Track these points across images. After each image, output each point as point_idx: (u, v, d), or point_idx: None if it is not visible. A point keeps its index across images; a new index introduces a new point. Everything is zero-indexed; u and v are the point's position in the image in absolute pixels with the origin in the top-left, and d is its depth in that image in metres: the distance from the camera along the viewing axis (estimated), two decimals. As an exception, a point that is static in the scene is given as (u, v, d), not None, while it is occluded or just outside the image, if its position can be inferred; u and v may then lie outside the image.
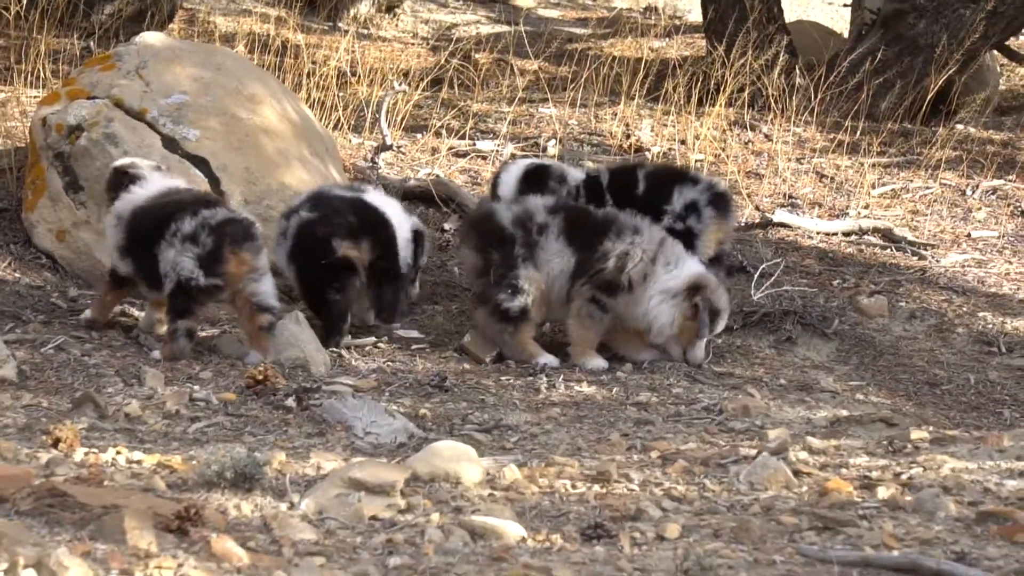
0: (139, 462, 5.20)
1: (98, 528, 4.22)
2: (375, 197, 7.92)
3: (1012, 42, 15.05)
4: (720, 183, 8.60)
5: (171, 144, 8.28)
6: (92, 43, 11.87)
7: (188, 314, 6.92)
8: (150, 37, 9.04)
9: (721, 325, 7.69)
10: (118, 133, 8.17)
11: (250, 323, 7.02)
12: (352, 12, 15.89)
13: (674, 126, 11.84)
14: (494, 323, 7.55)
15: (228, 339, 7.29)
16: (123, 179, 7.26)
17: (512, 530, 4.60)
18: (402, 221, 7.92)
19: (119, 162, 7.46)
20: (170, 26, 13.16)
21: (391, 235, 7.77)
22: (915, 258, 9.80)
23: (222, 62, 8.91)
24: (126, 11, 12.80)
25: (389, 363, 7.36)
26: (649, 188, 8.34)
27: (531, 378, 7.21)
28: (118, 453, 5.28)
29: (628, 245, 7.56)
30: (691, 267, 7.66)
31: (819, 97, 12.17)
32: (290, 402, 6.38)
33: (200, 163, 8.26)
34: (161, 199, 7.16)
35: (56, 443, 5.29)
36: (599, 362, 7.57)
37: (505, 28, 15.56)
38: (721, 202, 8.34)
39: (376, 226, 7.72)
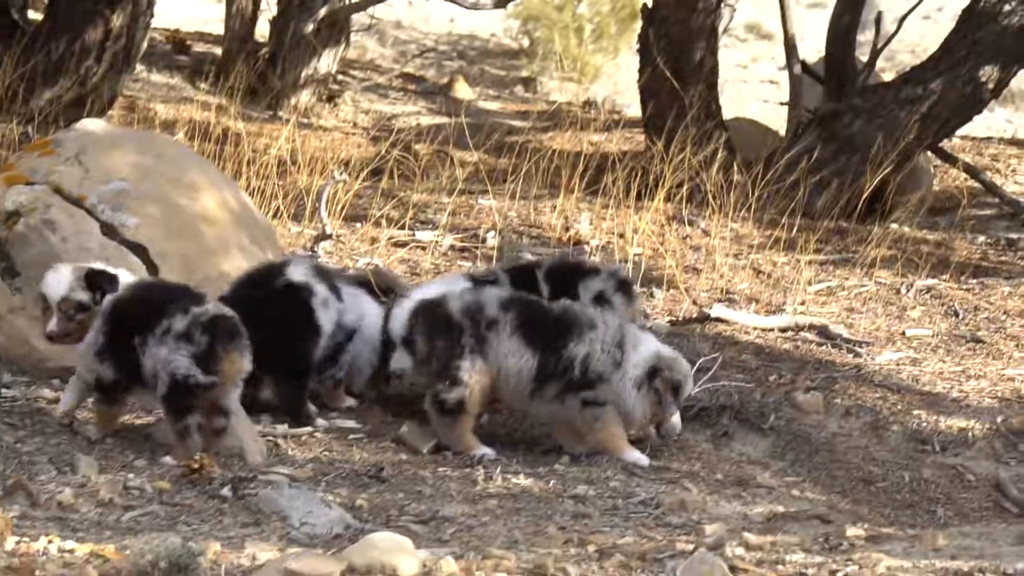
0: (72, 551, 5.13)
1: (29, 618, 4.17)
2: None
3: (945, 144, 15.24)
4: (620, 269, 8.68)
5: (110, 231, 8.25)
6: (31, 129, 11.87)
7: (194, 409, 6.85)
8: (90, 124, 9.03)
9: (687, 391, 7.78)
10: (56, 219, 8.13)
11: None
12: (293, 101, 15.94)
13: (613, 219, 11.91)
14: (434, 414, 7.54)
15: (163, 427, 7.22)
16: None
17: (448, 624, 4.58)
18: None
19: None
20: (110, 113, 13.18)
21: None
22: (850, 355, 9.86)
23: (162, 149, 8.90)
24: (65, 97, 12.81)
25: (326, 452, 7.32)
26: (553, 288, 8.33)
27: (468, 469, 7.19)
28: (50, 542, 5.21)
29: (588, 345, 7.57)
30: (646, 349, 7.68)
31: (756, 194, 12.28)
32: (225, 491, 6.32)
33: (139, 250, 8.22)
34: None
35: (-13, 532, 5.23)
36: (641, 456, 7.59)
37: (445, 119, 15.64)
38: (627, 288, 8.42)
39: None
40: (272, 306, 7.49)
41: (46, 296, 6.91)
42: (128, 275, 7.21)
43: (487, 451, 7.50)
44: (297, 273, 7.85)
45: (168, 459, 6.75)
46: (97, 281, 6.95)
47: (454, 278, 8.60)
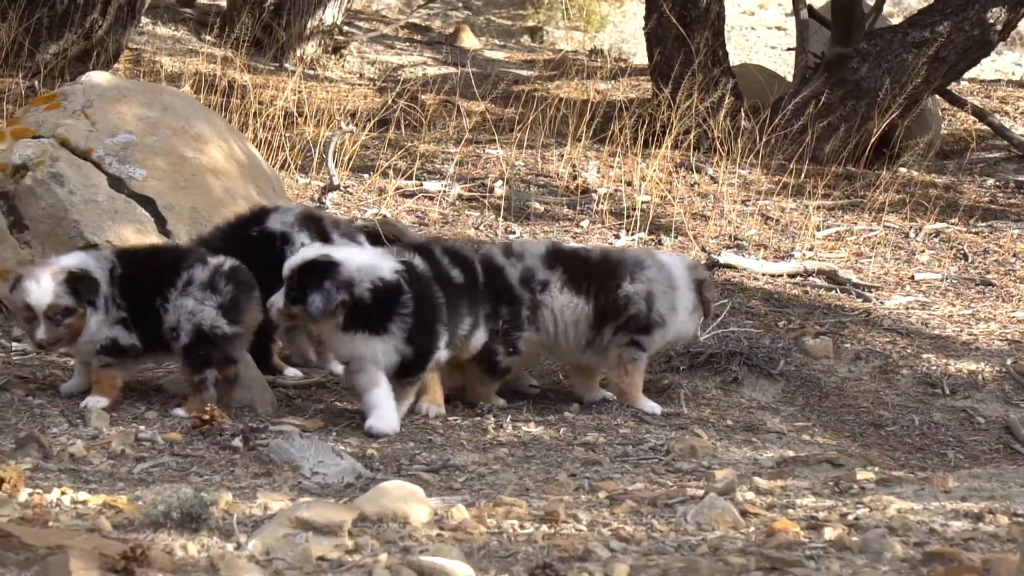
0: (84, 502, 5.15)
1: (43, 569, 4.18)
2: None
3: (954, 87, 15.20)
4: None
5: (117, 184, 8.23)
6: (37, 82, 11.84)
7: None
8: (96, 76, 9.01)
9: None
10: (63, 173, 8.12)
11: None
12: (299, 53, 15.89)
13: (620, 168, 11.89)
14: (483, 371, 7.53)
15: (175, 379, 7.23)
16: None
17: (460, 571, 4.58)
18: None
19: None
20: (116, 66, 13.14)
21: None
22: (859, 300, 9.86)
23: (169, 102, 8.88)
24: (71, 50, 12.77)
25: (336, 403, 7.32)
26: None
27: (479, 418, 7.20)
28: (63, 494, 5.24)
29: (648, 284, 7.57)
30: (685, 274, 7.70)
31: (764, 140, 12.26)
32: (237, 442, 6.34)
33: (146, 203, 8.22)
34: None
35: (0, 484, 5.24)
36: (655, 405, 7.60)
37: (452, 69, 15.61)
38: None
39: None
40: (248, 253, 7.33)
41: (30, 305, 6.71)
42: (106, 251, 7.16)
43: (502, 401, 7.52)
44: (277, 222, 7.73)
45: (180, 411, 6.75)
46: (79, 284, 6.81)
47: None
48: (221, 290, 6.81)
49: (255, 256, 7.24)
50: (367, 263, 6.74)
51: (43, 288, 6.74)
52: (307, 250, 6.79)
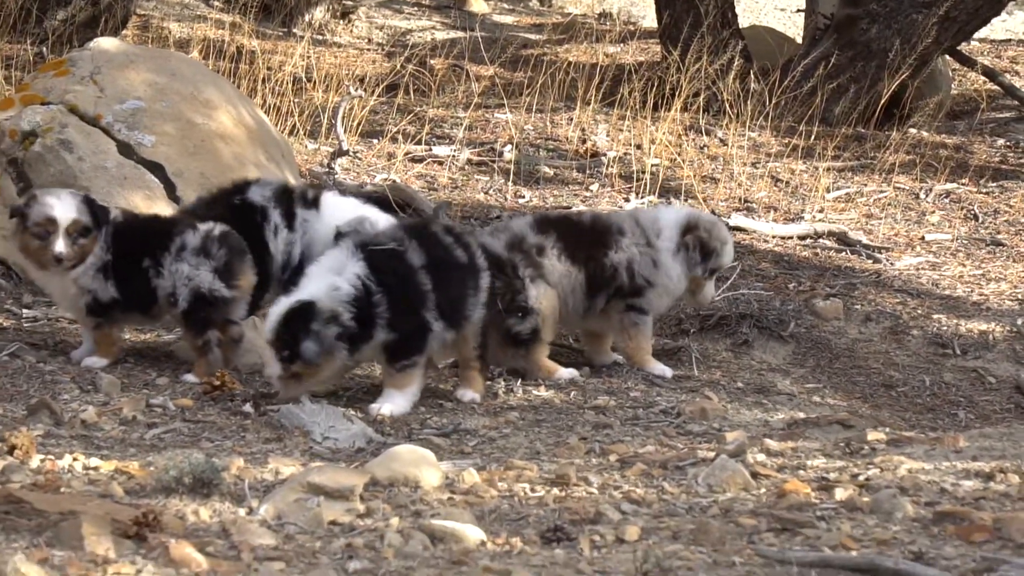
0: (96, 468, 5.17)
1: (55, 535, 4.19)
2: None
3: (964, 47, 15.14)
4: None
5: (126, 150, 8.23)
6: (45, 49, 11.83)
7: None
8: (104, 43, 9.00)
9: (721, 260, 7.68)
10: (73, 139, 8.12)
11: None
12: (307, 18, 15.86)
13: (630, 131, 11.87)
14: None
15: (184, 345, 7.23)
16: None
17: (472, 534, 4.59)
18: None
19: None
20: (124, 32, 13.12)
21: None
22: (870, 261, 9.85)
23: (177, 68, 8.87)
24: (79, 17, 12.75)
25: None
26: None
27: (489, 382, 7.20)
28: (75, 460, 5.25)
29: (628, 251, 7.53)
30: (673, 217, 7.65)
31: (774, 102, 12.23)
32: (247, 408, 6.35)
33: (156, 168, 8.22)
34: None
35: (12, 450, 5.25)
36: (664, 368, 7.57)
37: (460, 34, 15.58)
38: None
39: None
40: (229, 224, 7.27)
41: (53, 218, 6.75)
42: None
43: (568, 372, 7.46)
44: (256, 194, 7.66)
45: (190, 376, 6.76)
46: (95, 207, 6.90)
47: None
48: (215, 254, 6.85)
49: (235, 226, 7.22)
50: (330, 285, 6.61)
51: (66, 203, 6.82)
52: (275, 308, 6.65)
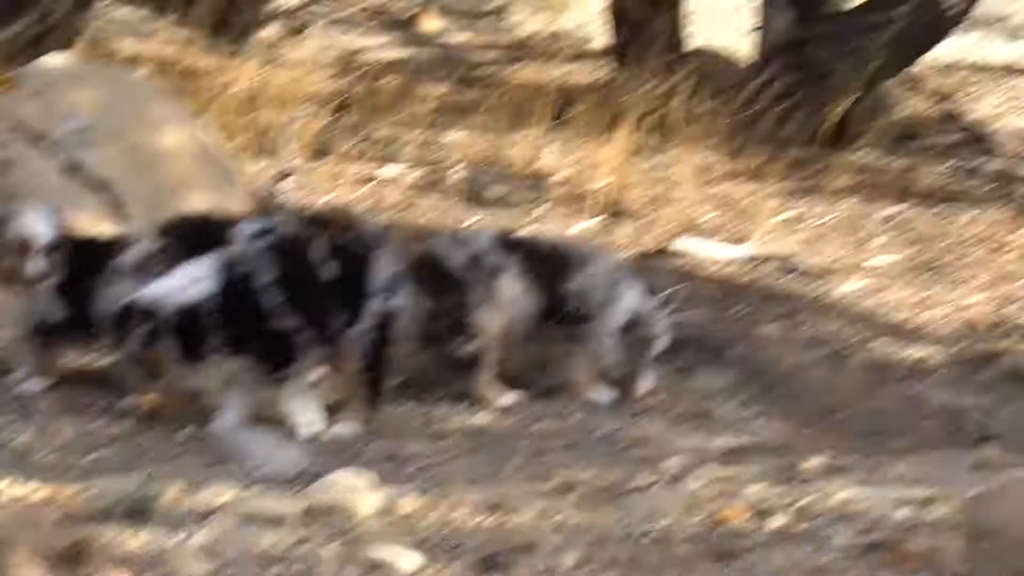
0: (30, 495, 5.14)
1: (-13, 563, 4.18)
2: None
3: (911, 70, 15.24)
4: None
5: (72, 168, 8.21)
6: (-8, 66, 11.76)
7: None
8: (52, 60, 8.99)
9: (661, 346, 7.73)
10: (18, 157, 8.09)
11: None
12: (258, 35, 15.84)
13: (579, 151, 11.89)
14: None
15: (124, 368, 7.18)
16: None
17: (408, 561, 4.60)
18: None
19: None
20: (73, 49, 13.05)
21: None
22: (812, 286, 9.88)
23: (125, 86, 8.87)
24: (27, 33, 12.68)
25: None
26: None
27: (429, 408, 7.19)
28: (8, 486, 5.22)
29: (585, 280, 7.54)
30: (632, 293, 7.66)
31: (723, 123, 12.26)
32: (186, 432, 6.34)
33: (102, 187, 8.20)
34: None
35: (-57, 476, 5.22)
36: (606, 393, 7.57)
37: (412, 52, 15.57)
38: None
39: None
40: None
41: (30, 237, 6.74)
42: None
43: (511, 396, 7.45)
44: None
45: (129, 399, 6.70)
46: (63, 223, 6.89)
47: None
48: (154, 273, 6.78)
49: None
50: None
51: (42, 221, 6.81)
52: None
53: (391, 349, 6.90)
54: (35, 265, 6.72)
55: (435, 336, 7.35)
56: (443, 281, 7.32)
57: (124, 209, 8.16)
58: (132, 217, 8.12)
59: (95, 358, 7.40)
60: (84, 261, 6.91)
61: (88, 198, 8.07)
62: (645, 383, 7.67)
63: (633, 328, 7.57)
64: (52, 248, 6.78)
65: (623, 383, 7.70)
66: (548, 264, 7.52)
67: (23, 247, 6.74)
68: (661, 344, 7.68)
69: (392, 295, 6.82)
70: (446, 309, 7.28)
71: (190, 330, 6.36)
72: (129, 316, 6.39)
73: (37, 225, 6.77)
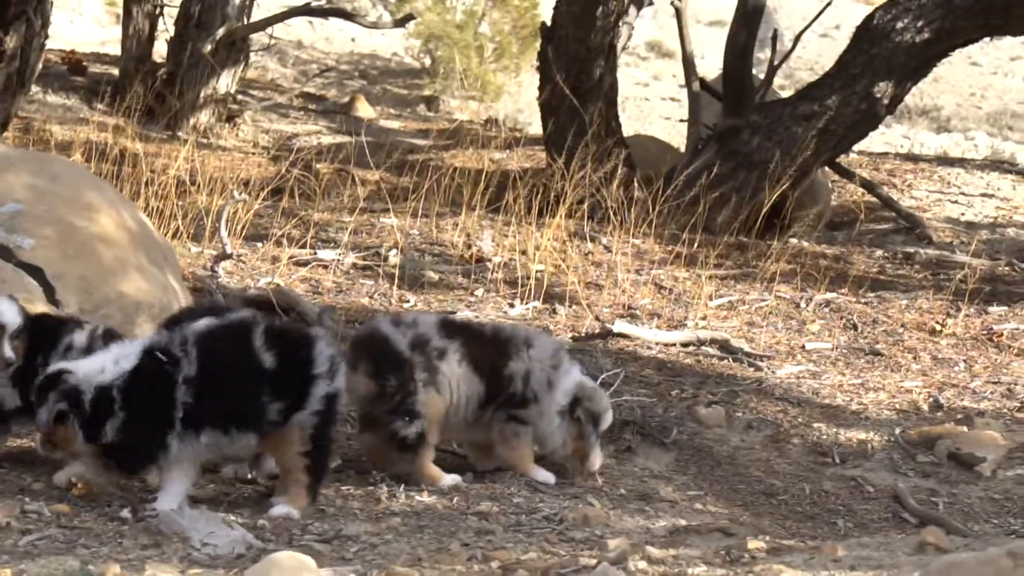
0: (-33, 576, 5.08)
1: (-77, 647, 4.11)
2: None
3: (843, 159, 15.44)
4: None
5: (5, 253, 8.14)
6: (-75, 149, 11.70)
7: None
8: (-16, 144, 8.94)
9: (606, 424, 7.66)
10: (-48, 240, 8.03)
11: None
12: (192, 121, 15.86)
13: (515, 236, 11.95)
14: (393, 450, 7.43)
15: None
16: None
17: (352, 642, 4.56)
18: None
19: None
20: (4, 134, 13.03)
21: None
22: (751, 369, 9.94)
23: (58, 171, 8.82)
24: (-41, 118, 12.68)
25: (226, 473, 7.25)
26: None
27: (371, 487, 7.16)
28: (-55, 567, 5.16)
29: (528, 363, 7.54)
30: (572, 376, 7.67)
31: (657, 210, 12.36)
32: (125, 513, 6.27)
33: (35, 272, 8.13)
34: None
35: None
36: (548, 475, 7.52)
37: (346, 138, 15.64)
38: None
39: None
40: None
41: (3, 324, 6.70)
42: None
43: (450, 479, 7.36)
44: None
45: (60, 476, 6.61)
46: (25, 314, 6.84)
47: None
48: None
49: None
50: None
51: (12, 309, 6.76)
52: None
53: (332, 434, 6.87)
54: (6, 351, 6.70)
55: (378, 417, 7.33)
56: (387, 362, 7.32)
57: (56, 293, 8.10)
58: (65, 301, 8.08)
59: (32, 439, 7.35)
60: (38, 343, 6.87)
61: (22, 282, 8.01)
62: (596, 459, 7.66)
63: (577, 407, 7.58)
64: (17, 334, 6.75)
65: (570, 463, 7.71)
66: (490, 347, 7.53)
67: None
68: (605, 421, 7.67)
69: (333, 380, 6.77)
70: (390, 390, 7.27)
71: (96, 409, 6.32)
72: (47, 388, 6.36)
73: (8, 314, 6.73)
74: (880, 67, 13.72)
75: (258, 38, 17.95)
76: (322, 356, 6.74)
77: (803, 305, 11.59)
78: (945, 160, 17.71)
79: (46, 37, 13.54)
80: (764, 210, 13.19)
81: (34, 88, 14.86)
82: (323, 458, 6.74)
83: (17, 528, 6.00)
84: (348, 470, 7.44)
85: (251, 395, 6.52)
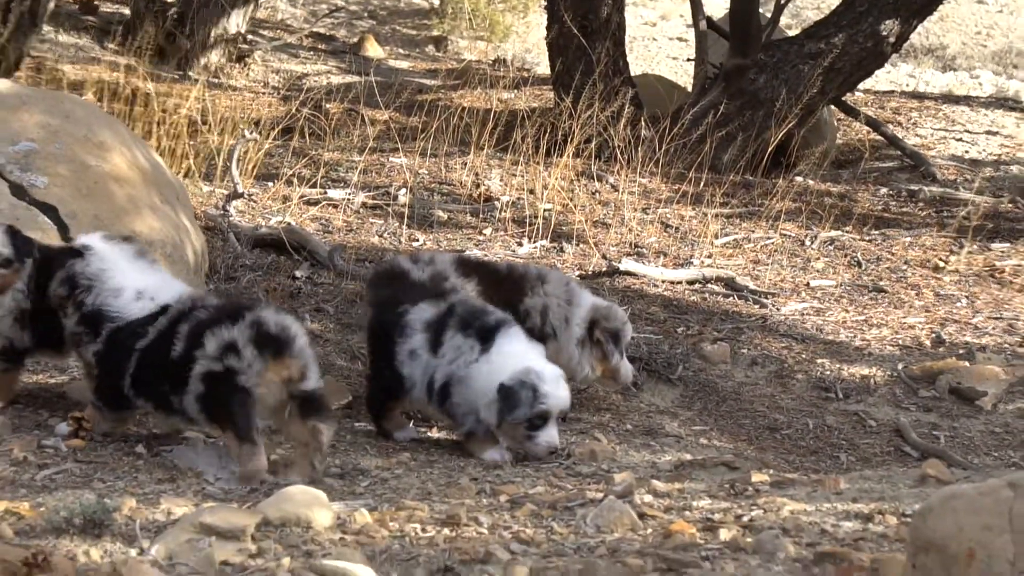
0: (-11, 509, 5.12)
1: (-56, 576, 4.16)
2: None
3: (848, 97, 15.38)
4: None
5: (19, 191, 8.15)
6: (-63, 90, 11.69)
7: None
8: (-2, 84, 8.94)
9: (626, 338, 7.68)
10: (-33, 179, 8.05)
11: None
12: (203, 61, 15.82)
13: (523, 176, 11.94)
14: None
15: (77, 386, 7.16)
16: None
17: (362, 574, 4.59)
18: None
19: None
20: (17, 74, 13.00)
21: None
22: (756, 306, 9.96)
23: (71, 110, 8.81)
24: (-28, 59, 12.66)
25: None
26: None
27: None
28: (-34, 501, 5.20)
29: (544, 298, 7.54)
30: (585, 303, 7.67)
31: (663, 149, 12.34)
32: (140, 448, 6.31)
33: (49, 210, 8.14)
34: None
35: (-100, 491, 5.19)
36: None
37: (356, 78, 15.59)
38: None
39: None
40: None
41: (9, 254, 6.66)
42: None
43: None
44: None
45: (63, 427, 6.49)
46: (19, 238, 6.79)
47: None
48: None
49: None
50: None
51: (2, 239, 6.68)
52: None
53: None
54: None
55: None
56: (406, 297, 7.31)
57: (70, 231, 8.11)
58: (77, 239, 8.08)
59: (49, 375, 7.39)
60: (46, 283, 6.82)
61: (36, 220, 8.02)
62: (627, 373, 7.67)
63: (595, 328, 7.58)
64: (6, 263, 6.70)
65: (602, 384, 7.74)
66: (506, 284, 7.54)
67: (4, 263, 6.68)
68: (626, 335, 7.66)
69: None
70: None
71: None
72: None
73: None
74: (886, 5, 13.66)
75: (268, -22, 17.92)
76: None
77: (808, 243, 11.59)
78: (950, 98, 17.64)
79: (57, -23, 13.53)
80: (770, 149, 13.16)
81: (45, 28, 14.81)
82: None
83: (35, 463, 6.04)
84: (359, 407, 7.49)
85: None
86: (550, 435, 6.79)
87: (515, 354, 6.79)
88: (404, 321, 7.01)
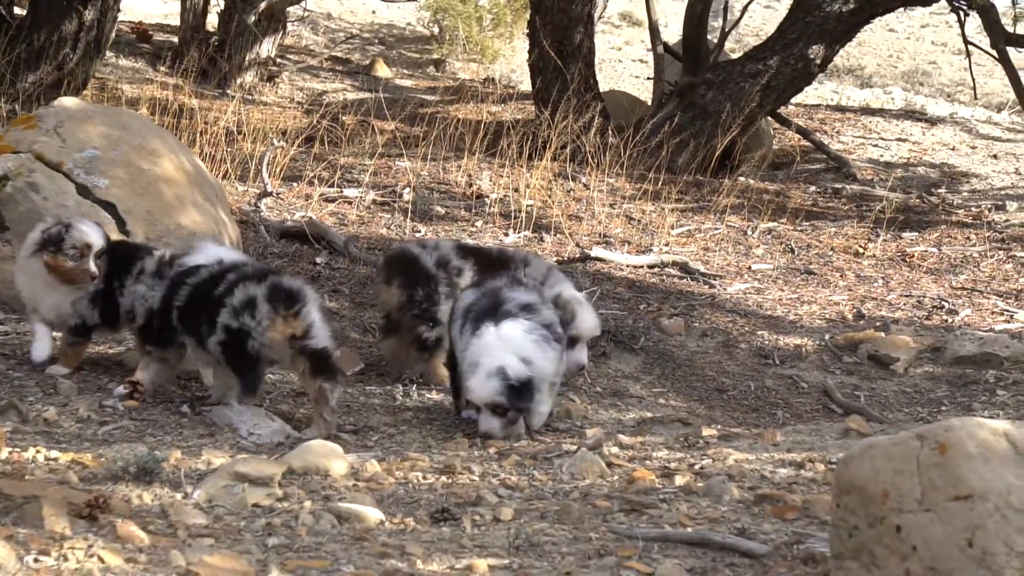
0: (56, 459, 5.09)
1: (20, 515, 4.13)
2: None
3: (783, 110, 15.36)
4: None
5: (84, 191, 8.11)
6: (17, 107, 11.66)
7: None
8: (67, 101, 8.87)
9: (584, 331, 7.15)
10: (39, 182, 7.99)
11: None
12: (239, 81, 15.77)
13: (509, 177, 11.90)
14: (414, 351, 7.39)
15: (132, 355, 7.12)
16: None
17: (373, 515, 4.58)
18: None
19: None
20: (83, 92, 12.97)
21: None
22: (706, 287, 9.93)
23: (128, 122, 8.76)
24: (47, 79, 12.61)
25: (269, 376, 7.25)
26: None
27: (389, 387, 7.17)
28: (38, 452, 5.17)
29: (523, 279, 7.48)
30: (556, 288, 7.53)
31: (627, 154, 12.32)
32: (185, 408, 6.29)
33: (109, 207, 8.10)
34: None
35: (-17, 444, 5.16)
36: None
37: (367, 94, 15.54)
38: None
39: None
40: None
41: (88, 244, 6.54)
42: None
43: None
44: None
45: (120, 390, 6.42)
46: (107, 236, 6.78)
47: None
48: (167, 276, 6.68)
49: None
50: None
51: (97, 232, 6.68)
52: None
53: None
54: (93, 267, 6.59)
55: (405, 323, 7.32)
56: (418, 276, 7.30)
57: (126, 225, 8.07)
58: (134, 231, 8.05)
59: (108, 346, 7.35)
60: (116, 266, 6.78)
61: (98, 215, 7.98)
62: (572, 361, 7.42)
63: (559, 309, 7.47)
64: (100, 255, 6.67)
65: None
66: (496, 264, 7.50)
67: (84, 251, 6.61)
68: (590, 323, 7.39)
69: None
70: (419, 299, 7.26)
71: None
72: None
73: (93, 235, 6.65)
74: (813, 33, 13.63)
75: (294, 10, 17.83)
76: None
77: (749, 233, 11.57)
78: (867, 111, 17.61)
79: (118, 10, 13.48)
80: (717, 153, 13.14)
81: (108, 53, 14.75)
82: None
83: (96, 420, 6.02)
84: (370, 373, 7.46)
85: None
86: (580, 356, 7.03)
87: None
88: None
